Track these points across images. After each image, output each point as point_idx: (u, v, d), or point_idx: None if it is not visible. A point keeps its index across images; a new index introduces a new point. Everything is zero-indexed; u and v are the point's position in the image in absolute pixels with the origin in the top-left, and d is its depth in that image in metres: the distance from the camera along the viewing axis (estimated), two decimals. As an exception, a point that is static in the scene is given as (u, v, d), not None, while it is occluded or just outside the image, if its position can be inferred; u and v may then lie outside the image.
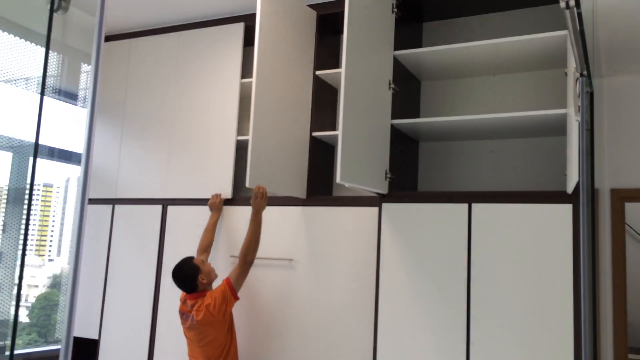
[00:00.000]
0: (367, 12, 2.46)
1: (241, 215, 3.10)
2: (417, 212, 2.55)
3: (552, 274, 2.26)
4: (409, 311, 2.50)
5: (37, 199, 3.84)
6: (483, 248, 2.40)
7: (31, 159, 3.23)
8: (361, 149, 2.39)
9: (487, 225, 2.41)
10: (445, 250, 2.47)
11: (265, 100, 2.73)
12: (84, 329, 3.47)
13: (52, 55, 3.51)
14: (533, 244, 2.32)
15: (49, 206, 3.97)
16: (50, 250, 3.97)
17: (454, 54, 2.69)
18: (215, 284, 2.78)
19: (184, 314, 2.70)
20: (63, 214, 3.99)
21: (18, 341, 3.45)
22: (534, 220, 2.33)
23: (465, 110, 2.93)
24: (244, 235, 3.06)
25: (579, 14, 1.38)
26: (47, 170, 3.82)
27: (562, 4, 1.30)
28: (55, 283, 3.95)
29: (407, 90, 2.88)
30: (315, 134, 3.03)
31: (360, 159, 2.37)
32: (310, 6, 3.13)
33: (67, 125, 3.82)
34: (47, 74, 3.35)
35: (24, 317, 3.59)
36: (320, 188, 3.10)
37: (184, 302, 2.73)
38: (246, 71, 3.44)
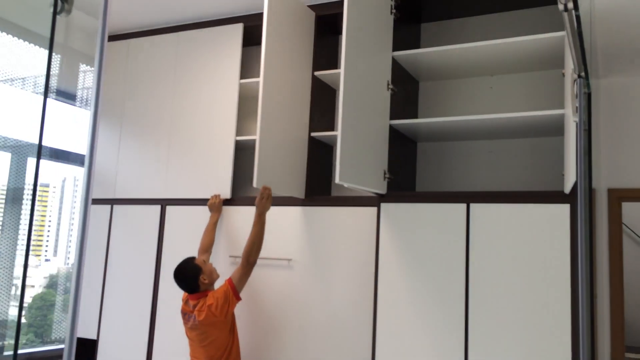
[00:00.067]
0: (366, 13, 2.47)
1: (240, 216, 3.11)
2: (415, 212, 2.56)
3: (550, 273, 2.28)
4: (407, 311, 2.51)
5: (31, 199, 3.83)
6: (481, 248, 2.41)
7: (29, 159, 3.24)
8: (360, 150, 2.40)
9: (485, 225, 2.42)
10: (443, 250, 2.48)
11: (270, 101, 2.74)
12: (83, 329, 3.47)
13: (46, 54, 3.50)
14: (531, 243, 2.33)
15: (46, 206, 3.97)
16: (46, 251, 3.97)
17: (452, 55, 2.70)
18: (217, 284, 2.78)
19: (185, 314, 2.70)
20: (59, 214, 3.99)
21: (12, 341, 3.44)
22: (532, 220, 2.34)
23: (464, 111, 2.95)
24: (243, 236, 3.07)
25: (577, 17, 1.39)
26: (43, 170, 3.82)
27: (560, 7, 1.31)
28: (52, 283, 3.94)
29: (405, 90, 2.89)
30: (314, 134, 3.04)
31: (359, 160, 2.38)
32: (309, 7, 3.13)
33: (63, 125, 3.82)
34: (43, 74, 3.34)
35: (18, 317, 3.58)
36: (319, 188, 3.11)
37: (185, 302, 2.73)
38: (245, 72, 3.45)
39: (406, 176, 2.90)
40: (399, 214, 2.59)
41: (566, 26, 1.43)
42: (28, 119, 3.10)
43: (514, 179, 2.81)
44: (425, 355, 2.45)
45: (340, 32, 3.32)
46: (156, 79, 3.51)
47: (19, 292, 3.33)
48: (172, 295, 3.22)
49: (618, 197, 2.74)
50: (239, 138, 3.20)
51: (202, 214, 3.19)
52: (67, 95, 3.80)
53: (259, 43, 3.54)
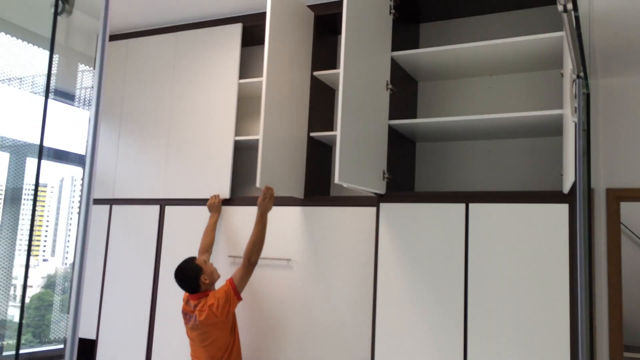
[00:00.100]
0: (365, 13, 2.47)
1: (239, 216, 3.11)
2: (414, 212, 2.57)
3: (549, 273, 2.28)
4: (406, 310, 2.52)
5: (30, 199, 3.83)
6: (480, 248, 2.42)
7: (28, 159, 3.23)
8: (359, 150, 2.40)
9: (484, 225, 2.43)
10: (442, 250, 2.48)
11: (272, 101, 2.75)
12: (82, 329, 3.47)
13: (46, 55, 3.50)
14: (530, 243, 2.34)
15: (43, 206, 3.96)
16: (44, 251, 3.96)
17: (451, 55, 2.70)
18: (218, 285, 2.78)
19: (186, 314, 2.70)
20: (57, 214, 3.98)
21: (11, 341, 3.44)
22: (531, 220, 2.35)
23: (462, 111, 2.95)
24: (242, 236, 3.07)
25: (576, 17, 1.39)
26: (41, 170, 3.82)
27: (560, 7, 1.31)
28: (50, 283, 3.94)
29: (404, 91, 2.89)
30: (313, 134, 3.04)
31: (358, 160, 2.38)
32: (308, 7, 3.14)
33: (61, 124, 3.81)
34: (42, 73, 3.34)
35: (17, 317, 3.58)
36: (318, 188, 3.11)
37: (186, 302, 2.73)
38: (244, 72, 3.45)
39: (405, 176, 2.90)
40: (398, 214, 2.60)
41: (565, 27, 1.43)
42: (26, 119, 3.09)
43: (512, 179, 2.81)
44: (425, 354, 2.45)
45: (339, 32, 3.32)
46: (155, 79, 3.51)
47: (17, 292, 3.33)
48: (171, 295, 3.22)
49: (616, 197, 2.75)
50: (237, 138, 3.20)
51: (201, 214, 3.19)
52: (65, 95, 3.80)
53: (257, 43, 3.55)
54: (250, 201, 3.10)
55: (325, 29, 3.23)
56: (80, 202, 3.76)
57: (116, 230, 3.50)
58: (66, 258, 3.98)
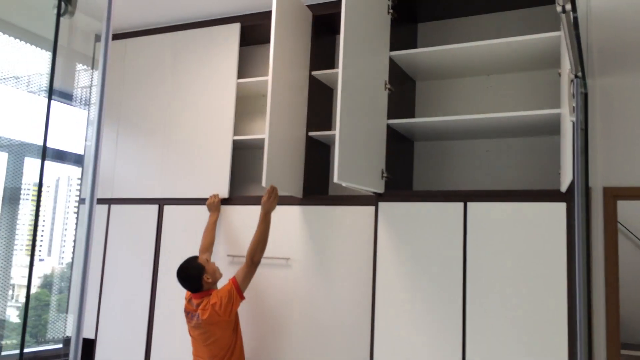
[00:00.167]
0: (364, 13, 2.48)
1: (238, 215, 3.11)
2: (413, 211, 2.58)
3: (547, 271, 2.30)
4: (405, 309, 2.53)
5: (27, 199, 3.83)
6: (478, 246, 2.43)
7: (26, 159, 3.23)
8: (358, 149, 2.41)
9: (483, 224, 2.44)
10: (441, 249, 2.50)
11: (276, 100, 2.76)
12: (81, 329, 3.47)
13: (46, 55, 3.49)
14: (528, 241, 2.35)
15: (39, 206, 3.96)
16: (40, 250, 3.96)
17: (449, 55, 2.71)
18: (221, 284, 2.79)
19: (189, 313, 2.71)
20: (53, 213, 3.98)
21: (7, 341, 3.44)
22: (529, 219, 2.36)
23: (460, 110, 2.96)
24: (241, 235, 3.08)
25: (575, 18, 1.40)
26: (37, 169, 3.81)
27: (559, 8, 1.32)
28: (46, 283, 3.93)
29: (402, 90, 2.90)
30: (311, 133, 3.05)
31: (357, 159, 2.39)
32: (307, 7, 3.14)
33: (58, 124, 3.80)
34: (41, 72, 3.34)
35: (14, 317, 3.57)
36: (316, 187, 3.12)
37: (189, 301, 2.74)
38: (242, 71, 3.45)
39: (403, 175, 2.91)
40: (397, 213, 2.61)
41: (564, 27, 1.44)
42: (24, 118, 3.09)
43: (510, 178, 2.83)
44: (423, 352, 2.46)
45: (337, 32, 3.33)
46: (153, 78, 3.51)
47: (16, 292, 3.33)
48: (170, 295, 3.22)
49: (613, 195, 2.76)
50: (236, 138, 3.20)
51: (200, 213, 3.19)
52: (63, 95, 3.79)
53: (256, 43, 3.56)
54: (249, 200, 3.11)
55: (324, 29, 3.24)
56: (78, 202, 3.74)
57: (115, 230, 3.50)
58: (62, 258, 3.97)
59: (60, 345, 3.69)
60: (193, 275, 2.68)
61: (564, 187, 2.27)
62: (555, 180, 2.69)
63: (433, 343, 2.45)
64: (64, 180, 4.01)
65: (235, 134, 3.23)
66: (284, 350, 2.88)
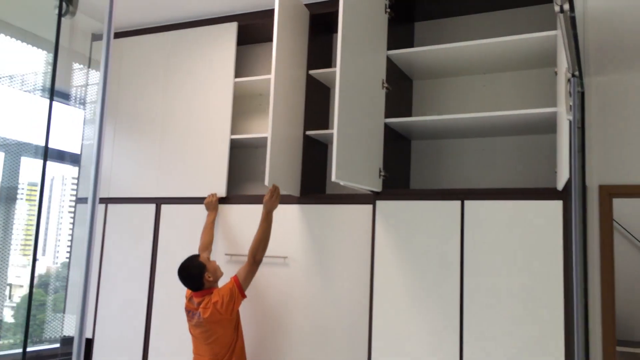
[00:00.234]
0: (361, 12, 2.49)
1: (235, 214, 3.11)
2: (411, 209, 2.59)
3: (543, 268, 2.31)
4: (403, 307, 2.54)
5: (22, 198, 3.82)
6: (475, 244, 2.45)
7: (22, 158, 3.22)
8: (355, 148, 2.42)
9: (480, 222, 2.45)
10: (438, 246, 2.51)
11: (277, 99, 2.77)
12: (78, 328, 3.46)
13: (43, 54, 3.49)
14: (524, 239, 2.37)
15: (34, 205, 3.95)
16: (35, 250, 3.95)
17: (446, 54, 2.72)
18: (220, 282, 2.79)
19: (190, 312, 2.71)
20: (48, 213, 3.97)
21: (4, 341, 3.43)
22: (526, 217, 2.38)
23: (457, 109, 2.97)
24: (238, 234, 3.08)
25: (572, 18, 1.41)
26: (32, 168, 3.80)
27: (557, 8, 1.33)
28: (41, 283, 3.92)
29: (399, 89, 2.91)
30: (309, 132, 3.05)
31: (355, 158, 2.40)
32: (304, 5, 3.14)
33: (54, 123, 3.78)
34: (39, 72, 3.33)
35: (9, 317, 3.56)
36: (314, 186, 3.13)
37: (189, 299, 2.74)
38: (239, 70, 3.45)
39: (401, 174, 2.92)
40: (394, 211, 2.62)
41: (562, 27, 1.45)
42: (18, 117, 3.08)
43: (507, 176, 2.84)
44: (421, 349, 2.48)
45: (334, 31, 3.34)
46: (150, 77, 3.51)
47: (10, 292, 3.32)
48: (168, 294, 3.22)
49: (609, 193, 2.78)
50: (234, 137, 3.20)
51: (198, 212, 3.19)
52: (58, 94, 3.77)
53: (253, 42, 3.56)
54: (246, 199, 3.11)
55: (321, 28, 3.24)
56: (75, 201, 3.72)
57: (112, 229, 3.49)
58: (57, 257, 3.96)
59: (57, 345, 3.68)
60: (194, 273, 2.68)
61: (560, 185, 2.28)
62: (551, 179, 2.70)
63: (430, 340, 2.46)
64: (58, 180, 4.00)
65: (232, 133, 3.23)
66: (281, 348, 2.89)
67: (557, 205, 2.33)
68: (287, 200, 2.98)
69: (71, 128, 3.83)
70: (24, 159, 3.23)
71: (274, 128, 2.73)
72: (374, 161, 2.59)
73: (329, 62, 3.32)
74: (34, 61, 3.36)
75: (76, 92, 3.85)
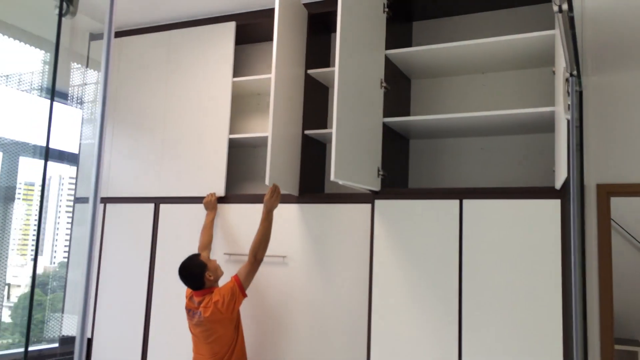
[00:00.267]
0: (359, 12, 2.49)
1: (234, 213, 3.12)
2: (409, 208, 2.59)
3: (542, 267, 2.32)
4: (401, 306, 2.54)
5: (19, 198, 3.82)
6: (474, 243, 2.45)
7: (20, 158, 3.22)
8: (354, 147, 2.42)
9: (478, 221, 2.46)
10: (437, 246, 2.51)
11: (277, 99, 2.77)
12: (77, 328, 3.46)
13: (41, 54, 3.48)
14: (523, 238, 2.37)
15: (31, 205, 3.94)
16: (32, 250, 3.94)
17: (444, 53, 2.73)
18: (220, 282, 2.80)
19: (190, 311, 2.71)
20: (45, 212, 3.96)
21: (2, 341, 3.43)
22: (524, 216, 2.39)
23: (455, 108, 2.98)
24: (237, 233, 3.09)
25: (571, 17, 1.42)
26: (29, 168, 3.80)
27: (555, 8, 1.33)
28: (38, 283, 3.92)
29: (398, 88, 2.92)
30: (307, 131, 3.05)
31: (353, 157, 2.40)
32: (303, 5, 3.15)
33: (54, 123, 3.78)
34: (38, 71, 3.32)
35: (6, 317, 3.56)
36: (313, 185, 3.13)
37: (190, 298, 2.74)
38: (238, 70, 3.45)
39: (399, 173, 2.93)
40: (393, 211, 2.62)
41: (560, 27, 1.46)
42: (15, 117, 3.08)
43: (505, 175, 2.85)
44: (420, 349, 2.48)
45: (332, 31, 3.34)
46: (149, 77, 3.50)
47: (7, 292, 3.32)
48: (167, 293, 3.22)
49: (607, 192, 2.79)
50: (232, 136, 3.20)
51: (196, 212, 3.19)
52: (58, 94, 3.77)
53: (251, 41, 3.56)
54: (245, 199, 3.11)
55: (320, 27, 3.24)
56: (74, 201, 3.72)
57: (111, 229, 3.49)
58: (54, 257, 3.96)
59: (56, 345, 3.68)
60: (195, 272, 2.68)
61: (558, 184, 2.29)
62: (549, 178, 2.71)
63: (429, 339, 2.47)
64: (55, 179, 3.99)
65: (230, 132, 3.23)
66: (280, 347, 2.90)
67: (555, 204, 2.33)
68: (286, 199, 2.98)
69: (69, 128, 3.82)
70: (22, 158, 3.23)
71: (274, 128, 2.74)
72: (373, 160, 2.59)
73: (327, 61, 3.33)
74: (34, 61, 3.35)
75: (74, 92, 3.84)
